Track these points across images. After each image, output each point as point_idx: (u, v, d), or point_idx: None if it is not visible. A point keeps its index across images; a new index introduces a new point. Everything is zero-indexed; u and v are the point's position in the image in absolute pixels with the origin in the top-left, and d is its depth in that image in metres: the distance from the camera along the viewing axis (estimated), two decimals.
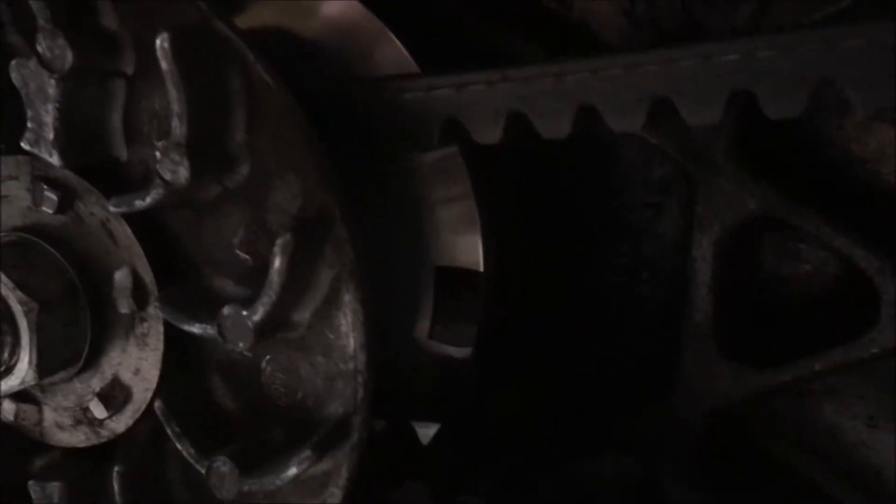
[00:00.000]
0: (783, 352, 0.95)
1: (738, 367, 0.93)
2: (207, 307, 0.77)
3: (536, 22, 1.00)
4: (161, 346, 0.83)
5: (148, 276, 0.82)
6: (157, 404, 0.83)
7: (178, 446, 0.81)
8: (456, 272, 0.95)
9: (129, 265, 0.82)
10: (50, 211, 0.83)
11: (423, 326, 0.97)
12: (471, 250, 0.95)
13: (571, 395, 1.08)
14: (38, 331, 0.81)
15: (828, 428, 0.98)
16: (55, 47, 0.75)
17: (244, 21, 0.94)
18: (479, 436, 1.04)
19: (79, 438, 0.89)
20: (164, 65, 0.71)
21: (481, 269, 0.94)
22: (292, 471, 0.75)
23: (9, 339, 0.81)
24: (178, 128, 0.72)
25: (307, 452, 0.75)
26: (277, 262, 0.72)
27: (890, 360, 0.91)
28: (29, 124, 0.79)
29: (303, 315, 0.77)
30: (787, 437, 1.00)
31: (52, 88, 0.76)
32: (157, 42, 0.70)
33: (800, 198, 0.89)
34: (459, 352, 0.97)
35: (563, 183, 1.05)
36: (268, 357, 0.81)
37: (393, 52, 0.93)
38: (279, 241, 0.72)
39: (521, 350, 1.07)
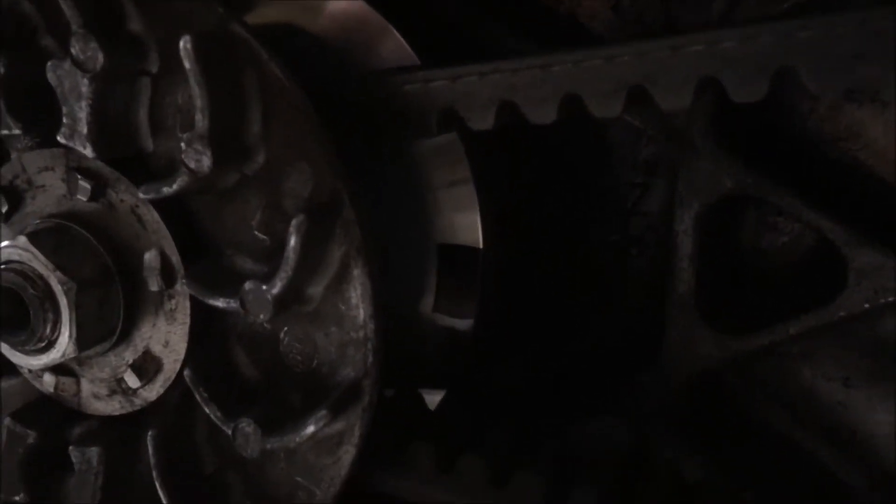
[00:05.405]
0: (764, 318, 1.02)
1: (718, 334, 0.98)
2: (230, 283, 0.84)
3: (527, 15, 1.07)
4: (188, 320, 0.89)
5: (175, 257, 0.88)
6: (186, 372, 0.89)
7: (206, 410, 0.88)
8: (457, 249, 1.02)
9: (157, 247, 0.88)
10: (84, 199, 0.89)
11: (428, 301, 1.03)
12: (471, 229, 1.02)
13: (568, 364, 1.15)
14: (77, 308, 0.87)
15: (805, 389, 1.04)
16: (88, 49, 0.81)
17: (252, 19, 0.98)
18: (482, 402, 1.11)
19: (114, 407, 0.96)
20: (187, 64, 0.77)
21: (480, 246, 1.01)
22: (310, 429, 0.82)
23: (50, 316, 0.87)
24: (200, 121, 0.78)
25: (323, 412, 0.82)
26: (293, 241, 0.78)
27: (861, 324, 0.97)
28: (64, 120, 0.85)
29: (316, 289, 0.84)
30: (768, 399, 1.07)
31: (84, 87, 0.82)
32: (181, 44, 0.76)
33: (773, 175, 0.95)
34: (462, 323, 1.04)
35: (555, 165, 1.12)
36: (286, 328, 0.88)
37: (395, 46, 0.99)
38: (294, 222, 0.78)
39: (520, 321, 1.14)
